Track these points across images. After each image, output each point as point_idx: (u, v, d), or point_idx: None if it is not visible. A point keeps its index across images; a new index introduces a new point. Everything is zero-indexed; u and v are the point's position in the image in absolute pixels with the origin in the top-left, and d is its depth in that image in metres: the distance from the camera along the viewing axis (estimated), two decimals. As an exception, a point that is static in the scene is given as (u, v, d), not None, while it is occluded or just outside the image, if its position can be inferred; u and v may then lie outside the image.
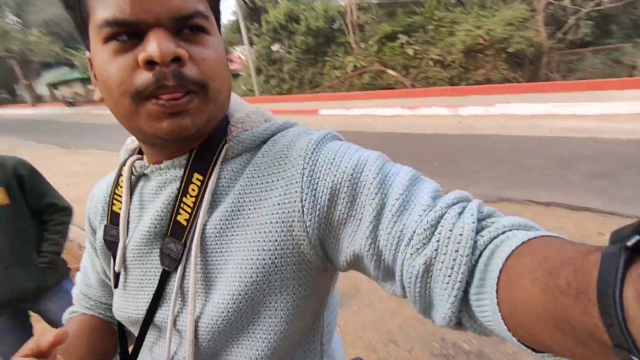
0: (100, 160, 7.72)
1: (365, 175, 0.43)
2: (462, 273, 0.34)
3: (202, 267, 0.48)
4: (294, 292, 0.48)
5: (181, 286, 0.50)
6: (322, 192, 0.44)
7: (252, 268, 0.46)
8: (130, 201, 0.55)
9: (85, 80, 24.83)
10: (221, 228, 0.48)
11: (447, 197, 0.40)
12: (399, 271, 0.39)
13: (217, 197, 0.49)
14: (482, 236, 0.35)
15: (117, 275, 0.56)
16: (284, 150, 0.48)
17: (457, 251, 0.35)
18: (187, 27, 0.42)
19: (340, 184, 0.43)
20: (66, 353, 0.57)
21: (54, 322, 1.58)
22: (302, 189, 0.44)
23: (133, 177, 0.56)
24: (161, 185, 0.52)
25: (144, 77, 0.40)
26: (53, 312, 1.55)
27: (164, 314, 0.52)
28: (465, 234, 0.35)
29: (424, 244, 0.37)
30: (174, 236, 0.50)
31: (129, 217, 0.55)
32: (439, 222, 0.37)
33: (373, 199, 0.42)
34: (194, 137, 0.47)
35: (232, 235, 0.47)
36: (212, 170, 0.49)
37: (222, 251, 0.48)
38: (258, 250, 0.46)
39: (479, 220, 0.37)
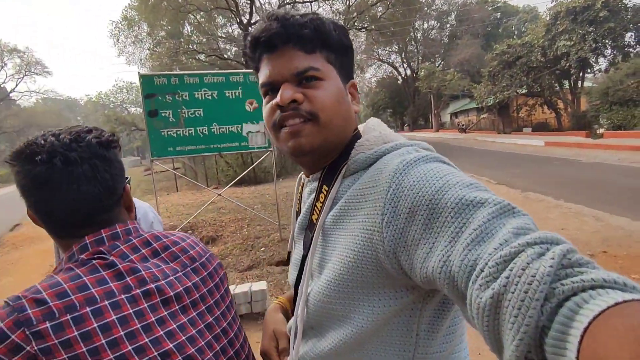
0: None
1: (445, 202, 0.45)
2: (529, 317, 0.32)
3: (319, 254, 0.65)
4: (373, 294, 0.56)
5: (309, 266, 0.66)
6: (402, 210, 0.50)
7: (342, 264, 0.58)
8: (299, 203, 0.78)
9: (479, 110, 27.32)
10: (330, 227, 0.63)
11: (530, 235, 0.37)
12: (468, 301, 0.39)
13: (334, 204, 0.63)
14: (563, 285, 0.32)
15: (289, 253, 0.81)
16: (381, 168, 0.57)
17: (526, 292, 0.33)
18: (304, 79, 0.62)
19: (418, 206, 0.48)
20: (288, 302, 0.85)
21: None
22: (384, 204, 0.52)
23: (302, 186, 0.79)
24: (309, 192, 0.72)
25: (276, 115, 0.63)
26: None
27: (300, 284, 0.69)
28: (538, 276, 0.33)
29: (494, 278, 0.36)
30: (309, 229, 0.69)
31: (298, 213, 0.78)
32: (513, 258, 0.36)
33: (449, 226, 0.44)
34: (313, 154, 0.64)
35: (337, 235, 0.61)
36: (334, 183, 0.64)
37: (330, 245, 0.62)
38: (347, 249, 0.57)
39: (564, 266, 0.34)
